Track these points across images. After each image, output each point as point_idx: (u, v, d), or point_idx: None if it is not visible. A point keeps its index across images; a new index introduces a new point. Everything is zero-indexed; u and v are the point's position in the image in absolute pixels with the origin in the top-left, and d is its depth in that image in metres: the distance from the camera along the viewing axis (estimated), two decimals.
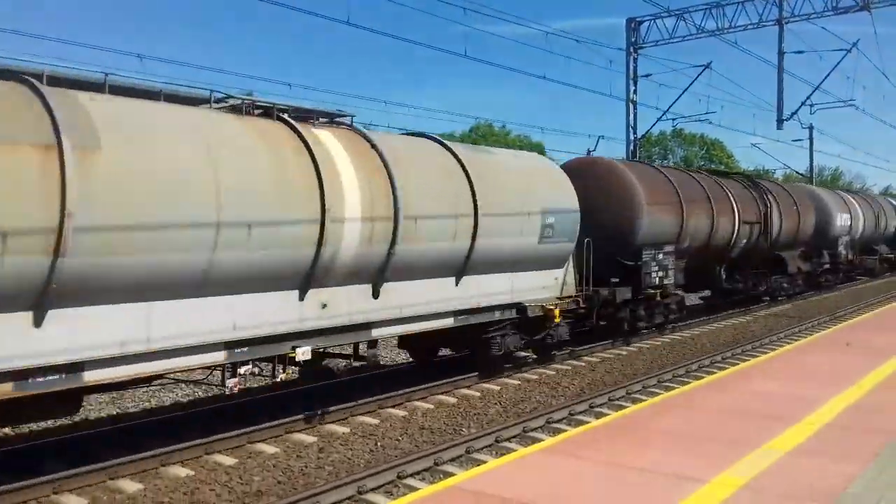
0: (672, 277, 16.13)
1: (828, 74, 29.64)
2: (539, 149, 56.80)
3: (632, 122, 30.29)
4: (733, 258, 19.80)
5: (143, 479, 7.40)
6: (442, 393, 11.11)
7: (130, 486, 7.22)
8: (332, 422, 9.47)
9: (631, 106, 30.22)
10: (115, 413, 10.17)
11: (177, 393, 11.40)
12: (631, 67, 30.11)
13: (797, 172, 48.03)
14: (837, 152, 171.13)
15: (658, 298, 15.86)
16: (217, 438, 8.37)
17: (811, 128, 43.73)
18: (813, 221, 24.65)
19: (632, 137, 30.29)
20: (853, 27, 49.20)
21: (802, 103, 29.89)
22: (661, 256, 15.69)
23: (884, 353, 11.35)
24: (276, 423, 9.04)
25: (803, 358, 11.38)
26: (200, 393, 11.50)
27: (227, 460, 7.99)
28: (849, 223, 28.50)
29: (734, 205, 19.11)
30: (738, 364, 12.50)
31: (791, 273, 23.18)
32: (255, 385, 11.36)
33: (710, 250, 18.14)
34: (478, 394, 11.23)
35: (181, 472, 7.62)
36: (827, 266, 26.65)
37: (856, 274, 31.48)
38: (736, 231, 19.08)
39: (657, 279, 15.62)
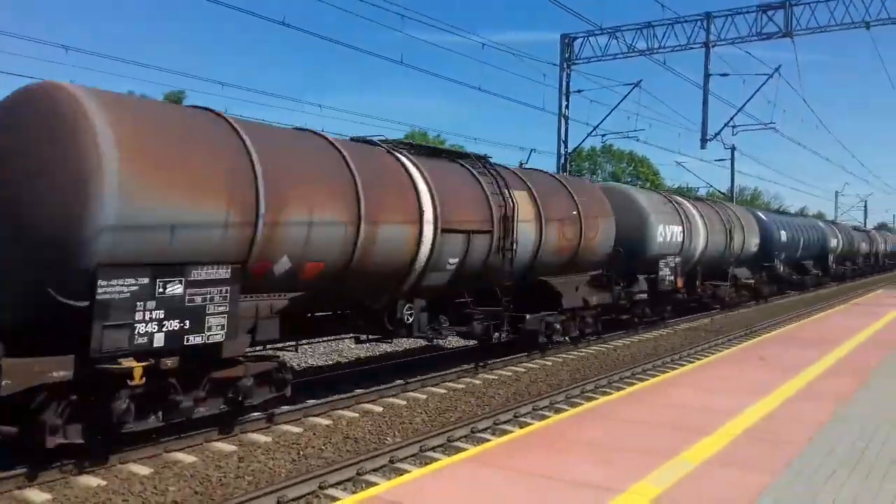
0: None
1: (750, 97, 30.85)
2: None
3: (563, 137, 30.83)
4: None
5: (53, 489, 7.11)
6: (368, 402, 11.04)
7: (38, 496, 6.93)
8: (254, 431, 9.30)
9: (563, 120, 30.77)
10: None
11: None
12: (564, 83, 30.67)
13: (719, 191, 49.68)
14: (757, 173, 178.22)
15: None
16: (132, 448, 8.10)
17: (733, 148, 45.33)
18: (610, 234, 16.73)
19: (563, 151, 30.83)
20: (776, 53, 51.36)
21: (725, 124, 31.00)
22: None
23: (794, 368, 11.81)
24: (194, 431, 8.82)
25: (719, 371, 11.75)
26: None
27: (143, 470, 7.74)
28: (680, 239, 20.71)
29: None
30: (657, 376, 12.83)
31: (565, 309, 15.35)
32: None
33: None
34: (404, 402, 11.21)
35: (93, 481, 7.36)
36: (641, 297, 18.95)
37: (696, 304, 24.18)
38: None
39: None
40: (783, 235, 31.64)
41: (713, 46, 28.38)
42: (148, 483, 7.40)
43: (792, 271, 34.07)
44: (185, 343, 7.68)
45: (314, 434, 9.37)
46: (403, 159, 11.41)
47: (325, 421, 9.97)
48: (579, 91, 31.03)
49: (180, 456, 8.24)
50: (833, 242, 41.49)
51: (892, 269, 66.65)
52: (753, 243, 27.78)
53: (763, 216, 31.21)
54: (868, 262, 56.28)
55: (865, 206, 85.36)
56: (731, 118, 31.01)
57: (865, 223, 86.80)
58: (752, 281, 28.06)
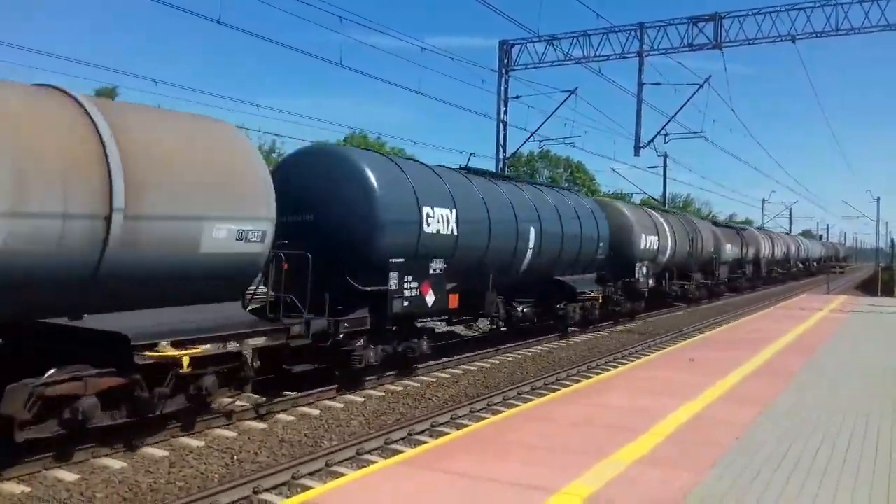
0: None
1: (682, 106, 31.69)
2: None
3: (502, 141, 31.14)
4: None
5: None
6: (305, 405, 10.93)
7: None
8: (186, 435, 9.10)
9: (501, 126, 31.08)
10: None
11: None
12: (502, 88, 30.98)
13: (652, 198, 50.86)
14: (688, 180, 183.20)
15: None
16: (57, 452, 7.83)
17: (665, 156, 46.47)
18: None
19: (502, 156, 31.13)
20: (707, 63, 52.87)
21: (658, 132, 31.80)
22: None
23: (721, 370, 12.18)
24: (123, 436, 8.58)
25: (650, 373, 12.04)
26: None
27: (69, 476, 7.50)
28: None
29: None
30: (591, 377, 13.06)
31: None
32: None
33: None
34: (341, 405, 11.14)
35: (16, 488, 7.09)
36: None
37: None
38: None
39: None
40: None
41: (646, 56, 29.11)
42: (74, 489, 7.17)
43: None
44: None
45: (248, 438, 9.23)
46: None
47: (260, 425, 9.83)
48: (517, 97, 31.43)
49: (108, 461, 8.01)
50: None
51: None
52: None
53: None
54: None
55: (791, 214, 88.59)
56: (664, 126, 31.88)
57: (791, 230, 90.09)
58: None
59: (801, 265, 62.63)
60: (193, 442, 8.90)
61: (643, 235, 23.91)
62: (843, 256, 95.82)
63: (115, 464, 7.96)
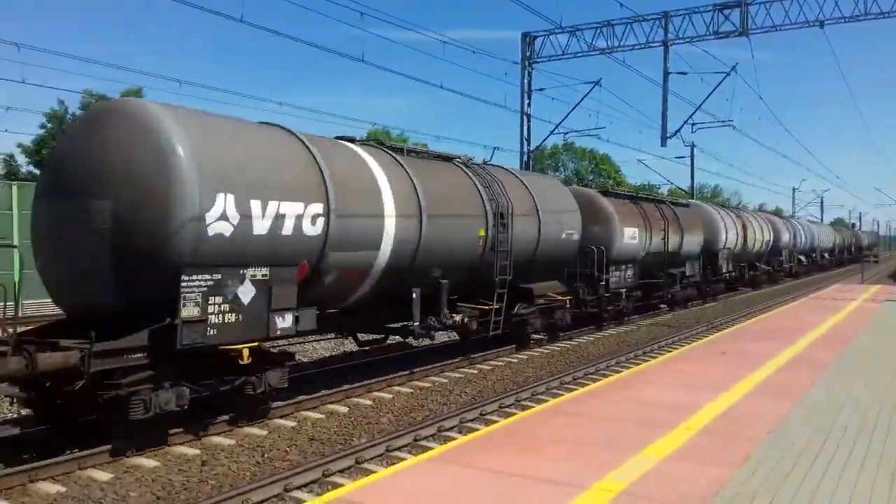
0: None
1: (708, 95, 31.38)
2: None
3: (526, 135, 31.00)
4: None
5: (10, 498, 6.94)
6: (333, 402, 10.98)
7: None
8: (217, 434, 9.18)
9: (525, 119, 30.93)
10: None
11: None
12: (525, 81, 30.83)
13: (680, 188, 50.40)
14: (717, 170, 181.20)
15: None
16: (91, 453, 7.95)
17: (692, 146, 46.03)
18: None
19: (526, 149, 30.99)
20: (733, 51, 52.22)
21: (685, 122, 31.42)
22: None
23: (755, 362, 12.02)
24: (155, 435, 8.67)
25: (681, 366, 11.91)
26: None
27: (103, 475, 7.60)
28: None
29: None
30: (620, 372, 12.96)
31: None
32: None
33: None
34: (370, 402, 11.17)
35: (52, 488, 7.20)
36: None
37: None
38: None
39: None
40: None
41: (671, 45, 28.79)
42: (108, 489, 7.27)
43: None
44: None
45: (279, 436, 9.29)
46: None
47: (289, 423, 9.88)
48: (541, 89, 31.26)
49: (141, 461, 8.10)
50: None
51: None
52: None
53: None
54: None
55: (822, 202, 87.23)
56: (690, 116, 31.48)
57: (822, 219, 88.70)
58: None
59: (799, 259, 46.82)
60: (224, 440, 8.97)
61: None
62: (868, 245, 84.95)
63: (149, 462, 8.05)
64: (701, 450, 6.98)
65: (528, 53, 30.82)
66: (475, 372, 13.92)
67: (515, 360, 15.27)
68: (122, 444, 8.18)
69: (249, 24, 29.53)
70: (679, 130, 30.54)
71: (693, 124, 32.11)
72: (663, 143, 29.65)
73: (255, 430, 9.43)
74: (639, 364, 14.03)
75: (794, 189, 79.94)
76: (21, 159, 47.87)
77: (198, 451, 8.50)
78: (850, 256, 70.60)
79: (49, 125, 45.55)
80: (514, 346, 16.03)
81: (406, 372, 12.85)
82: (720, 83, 30.49)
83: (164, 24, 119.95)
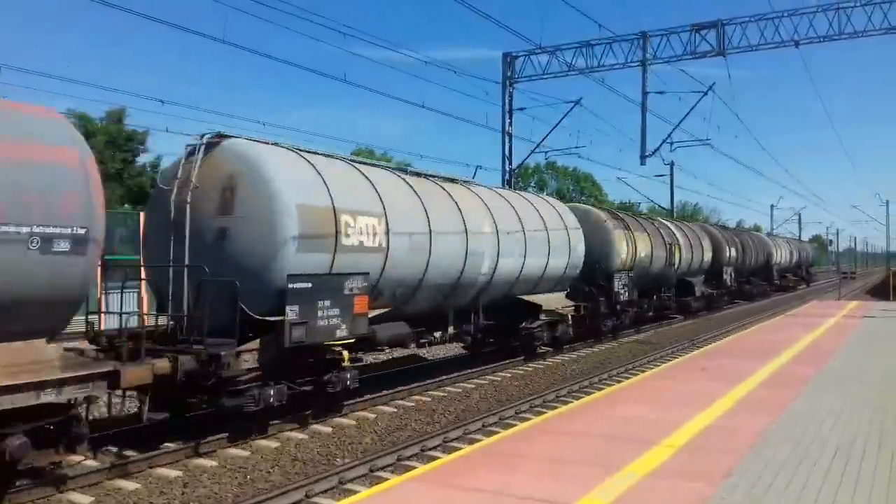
0: None
1: (686, 114, 31.63)
2: None
3: (507, 153, 31.18)
4: None
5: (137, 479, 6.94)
6: (316, 423, 10.93)
7: None
8: (200, 455, 9.11)
9: (507, 137, 31.13)
10: None
11: None
12: (506, 100, 31.05)
13: (660, 206, 50.83)
14: (696, 188, 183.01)
15: None
16: (73, 475, 7.86)
17: (672, 164, 46.45)
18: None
19: (507, 168, 31.16)
20: (710, 70, 52.84)
21: (664, 141, 31.69)
22: None
23: (735, 378, 12.12)
24: (139, 457, 8.61)
25: (662, 383, 11.99)
26: None
27: (83, 499, 7.52)
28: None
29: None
30: (603, 389, 13.02)
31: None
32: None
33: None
34: (353, 422, 11.14)
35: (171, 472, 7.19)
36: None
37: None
38: None
39: None
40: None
41: (650, 65, 29.09)
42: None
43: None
44: None
45: (262, 457, 9.24)
46: None
47: (272, 444, 9.83)
48: (522, 108, 31.47)
49: (122, 483, 8.03)
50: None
51: None
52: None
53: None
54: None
55: (800, 219, 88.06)
56: (669, 135, 31.76)
57: (800, 236, 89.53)
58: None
59: (738, 280, 38.11)
60: (207, 462, 8.91)
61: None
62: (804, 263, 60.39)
63: (129, 485, 7.98)
64: (683, 465, 7.04)
65: (508, 73, 31.05)
66: (459, 391, 13.92)
67: (499, 379, 15.29)
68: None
69: (231, 44, 29.59)
70: (658, 149, 30.79)
71: (672, 143, 32.42)
72: (643, 162, 29.87)
73: (238, 451, 9.38)
74: (620, 381, 14.11)
75: (772, 206, 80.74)
76: None
77: (180, 473, 8.44)
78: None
79: None
80: (498, 363, 16.07)
81: (389, 391, 12.83)
82: (697, 102, 30.79)
83: (146, 43, 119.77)
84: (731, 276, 35.94)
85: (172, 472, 8.45)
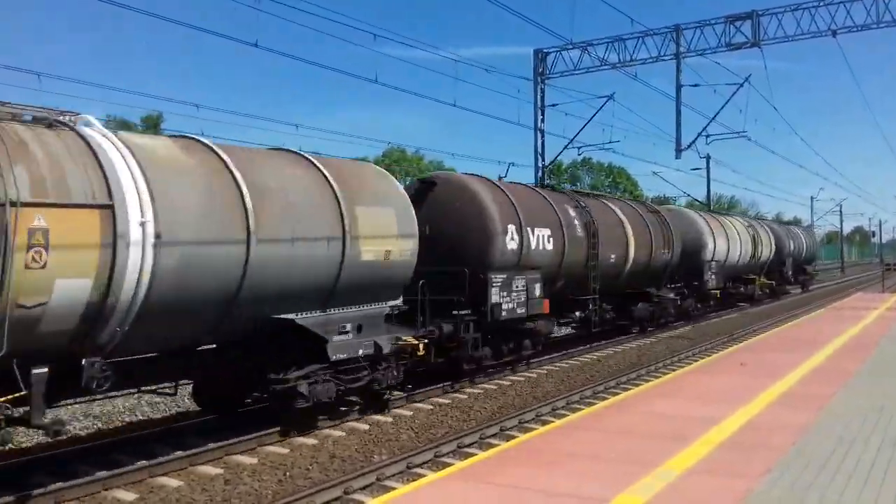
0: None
1: (722, 107, 31.15)
2: None
3: (540, 150, 31.06)
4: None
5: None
6: (353, 420, 11.03)
7: None
8: (239, 453, 9.26)
9: (539, 134, 31.01)
10: None
11: (74, 426, 10.88)
12: (538, 97, 30.93)
13: (696, 200, 50.20)
14: (733, 181, 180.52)
15: None
16: (116, 473, 8.05)
17: (708, 157, 45.84)
18: None
19: (540, 164, 31.05)
20: (746, 61, 52.03)
21: (699, 134, 31.27)
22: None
23: (776, 373, 11.96)
24: (179, 454, 8.78)
25: (701, 378, 11.87)
26: (100, 425, 11.05)
27: (127, 496, 7.70)
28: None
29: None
30: (640, 385, 12.93)
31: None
32: (157, 416, 10.98)
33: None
34: (390, 419, 11.21)
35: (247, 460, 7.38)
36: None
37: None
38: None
39: None
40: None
41: (683, 58, 28.75)
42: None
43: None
44: None
45: (300, 454, 9.35)
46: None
47: (311, 440, 9.94)
48: (554, 105, 31.31)
49: (165, 480, 8.20)
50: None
51: None
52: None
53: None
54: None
55: (841, 210, 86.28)
56: (704, 128, 31.28)
57: (842, 228, 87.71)
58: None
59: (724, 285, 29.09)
60: (247, 459, 9.05)
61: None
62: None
63: (172, 482, 8.14)
64: (723, 462, 6.97)
65: (540, 69, 30.93)
66: (494, 387, 13.93)
67: (535, 375, 15.26)
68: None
69: (264, 48, 29.99)
70: (693, 142, 30.40)
71: (707, 136, 31.95)
72: (678, 156, 29.53)
73: (277, 449, 9.50)
74: (658, 377, 14.00)
75: (812, 198, 79.31)
76: None
77: (221, 471, 8.58)
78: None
79: None
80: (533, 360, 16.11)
81: (423, 389, 12.89)
82: (733, 94, 30.33)
83: (181, 50, 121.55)
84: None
85: (213, 470, 8.60)
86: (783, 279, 36.53)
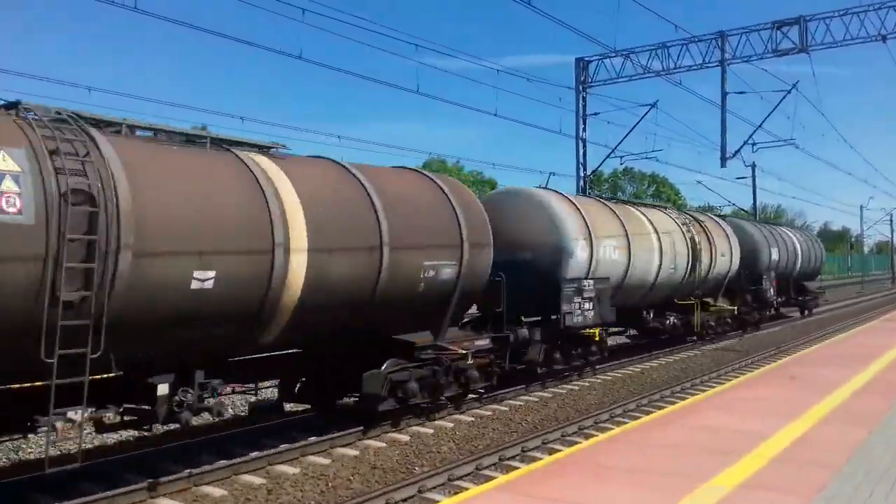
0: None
1: (769, 114, 30.65)
2: (491, 185, 57.23)
3: (582, 160, 30.86)
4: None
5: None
6: (394, 431, 10.99)
7: None
8: (282, 462, 9.28)
9: (581, 143, 30.81)
10: None
11: (121, 434, 11.02)
12: (580, 106, 30.75)
13: (742, 209, 49.31)
14: (779, 189, 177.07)
15: None
16: (161, 482, 8.12)
17: (753, 166, 45.07)
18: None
19: (582, 174, 30.83)
20: (793, 67, 51.04)
21: (745, 142, 30.77)
22: None
23: (827, 387, 11.61)
24: (223, 464, 8.83)
25: (749, 392, 11.58)
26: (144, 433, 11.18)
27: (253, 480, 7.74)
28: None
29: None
30: (686, 398, 12.67)
31: None
32: (201, 424, 11.06)
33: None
34: (430, 431, 11.15)
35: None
36: None
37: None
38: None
39: None
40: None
41: (729, 64, 28.34)
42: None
43: None
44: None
45: (342, 465, 9.34)
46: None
47: (352, 451, 9.93)
48: (596, 113, 31.09)
49: (209, 489, 8.25)
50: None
51: None
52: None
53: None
54: None
55: (892, 219, 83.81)
56: (751, 136, 30.81)
57: (892, 237, 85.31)
58: None
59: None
60: (289, 469, 9.07)
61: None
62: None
63: (216, 491, 8.19)
64: (774, 478, 6.76)
65: (582, 78, 30.77)
66: (536, 399, 13.78)
67: (577, 388, 15.07)
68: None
69: (308, 60, 30.40)
70: (739, 151, 29.92)
71: (754, 144, 31.44)
72: (723, 164, 29.06)
73: (318, 459, 9.51)
74: (705, 391, 13.71)
75: (861, 207, 77.19)
76: None
77: (264, 480, 8.61)
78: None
79: None
80: (576, 373, 15.90)
81: (465, 400, 12.80)
82: (780, 101, 29.81)
83: (227, 64, 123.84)
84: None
85: (256, 479, 8.63)
86: (759, 302, 25.80)
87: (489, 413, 12.52)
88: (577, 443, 9.85)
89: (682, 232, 19.94)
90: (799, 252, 31.40)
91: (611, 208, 17.32)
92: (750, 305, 25.13)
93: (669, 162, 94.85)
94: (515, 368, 13.92)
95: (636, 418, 11.30)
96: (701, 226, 21.47)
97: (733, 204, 49.20)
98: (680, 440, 8.40)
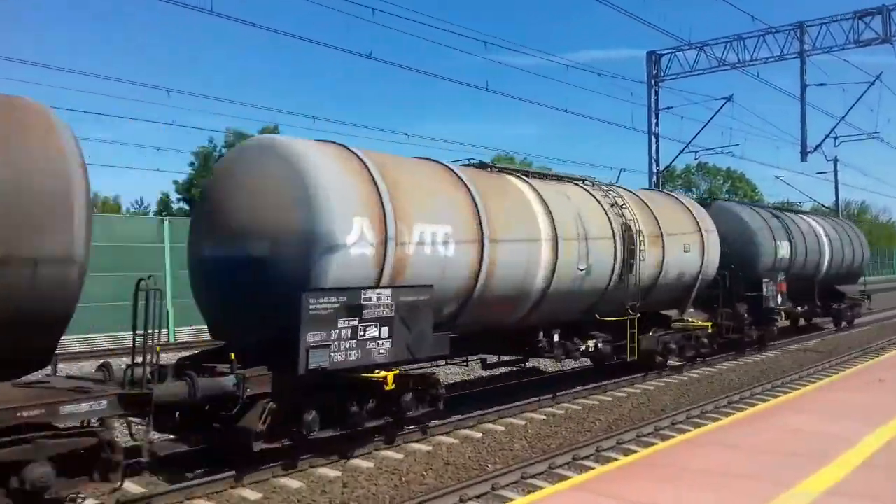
0: None
1: (852, 106, 29.49)
2: None
3: (654, 155, 30.30)
4: None
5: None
6: (466, 428, 11.00)
7: None
8: (357, 456, 9.41)
9: (653, 138, 30.25)
10: None
11: None
12: (652, 100, 30.20)
13: (823, 206, 47.58)
14: (862, 185, 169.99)
15: None
16: (242, 473, 8.33)
17: (836, 160, 43.38)
18: None
19: (655, 170, 30.27)
20: (876, 58, 48.89)
21: (826, 136, 29.74)
22: None
23: None
24: (301, 458, 9.00)
25: (835, 395, 11.16)
26: None
27: (253, 495, 7.94)
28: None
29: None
30: (768, 400, 12.29)
31: None
32: None
33: None
34: (502, 428, 11.12)
35: None
36: None
37: None
38: None
39: None
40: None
41: (808, 56, 27.40)
42: None
43: None
44: None
45: (415, 460, 9.41)
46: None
47: (425, 447, 9.99)
48: (668, 108, 30.51)
49: (286, 481, 8.42)
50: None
51: None
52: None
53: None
54: None
55: None
56: (832, 129, 29.73)
57: None
58: None
59: None
60: (363, 463, 9.18)
61: None
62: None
63: (293, 483, 8.35)
64: (864, 485, 6.49)
65: (654, 72, 30.21)
66: (609, 399, 13.59)
67: (652, 388, 14.80)
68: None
69: (378, 59, 30.71)
70: (820, 145, 28.92)
71: (836, 137, 30.33)
72: (803, 159, 28.14)
73: (392, 454, 9.60)
74: (787, 393, 13.27)
75: None
76: (174, 195, 51.92)
77: (339, 473, 8.74)
78: None
79: (195, 163, 48.97)
80: (646, 372, 15.61)
81: (537, 398, 12.73)
82: (864, 93, 28.64)
83: (299, 64, 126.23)
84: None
85: (332, 472, 8.77)
86: (758, 313, 19.06)
87: (562, 412, 12.41)
88: (653, 443, 9.66)
89: (607, 215, 13.45)
90: (826, 247, 23.81)
91: (453, 171, 11.11)
92: (742, 319, 18.48)
93: (746, 157, 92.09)
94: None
95: (714, 420, 11.02)
96: (647, 208, 14.95)
97: (814, 199, 47.45)
98: (763, 443, 8.15)
